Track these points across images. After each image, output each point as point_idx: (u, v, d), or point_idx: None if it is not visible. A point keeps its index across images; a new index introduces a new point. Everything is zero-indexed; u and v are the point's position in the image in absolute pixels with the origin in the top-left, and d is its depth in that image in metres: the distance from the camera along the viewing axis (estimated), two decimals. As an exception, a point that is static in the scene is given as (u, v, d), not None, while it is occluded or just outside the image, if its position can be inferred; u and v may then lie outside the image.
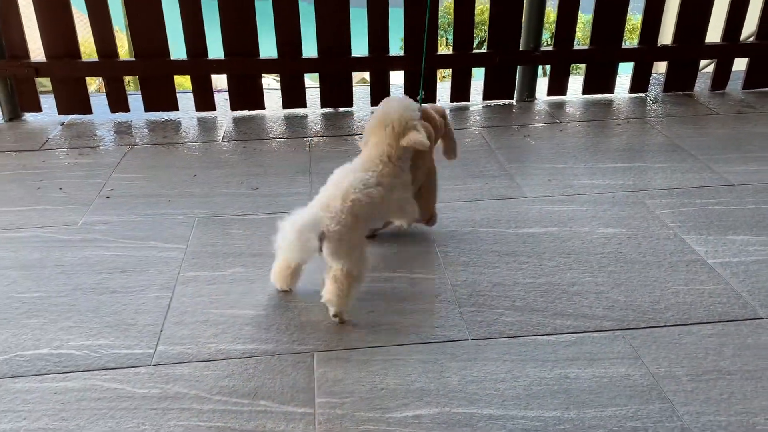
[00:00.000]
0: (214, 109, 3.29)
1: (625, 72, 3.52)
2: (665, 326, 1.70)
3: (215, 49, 3.19)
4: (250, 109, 3.31)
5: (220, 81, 3.47)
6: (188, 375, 1.55)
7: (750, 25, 3.39)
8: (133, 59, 3.15)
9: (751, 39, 3.44)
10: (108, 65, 3.13)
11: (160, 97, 3.24)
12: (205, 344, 1.65)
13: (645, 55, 3.36)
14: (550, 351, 1.61)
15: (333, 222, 1.60)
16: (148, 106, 3.26)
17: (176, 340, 1.67)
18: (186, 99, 3.40)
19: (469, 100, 3.40)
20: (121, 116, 3.27)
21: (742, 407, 1.43)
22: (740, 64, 3.52)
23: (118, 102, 3.24)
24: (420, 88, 2.08)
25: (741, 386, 1.49)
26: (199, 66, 3.16)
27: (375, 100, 3.34)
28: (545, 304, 1.78)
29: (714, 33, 3.39)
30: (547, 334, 1.67)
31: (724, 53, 3.42)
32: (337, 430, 1.39)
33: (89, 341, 1.66)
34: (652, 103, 3.37)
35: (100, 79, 3.25)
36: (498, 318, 1.73)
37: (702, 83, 3.58)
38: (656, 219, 2.20)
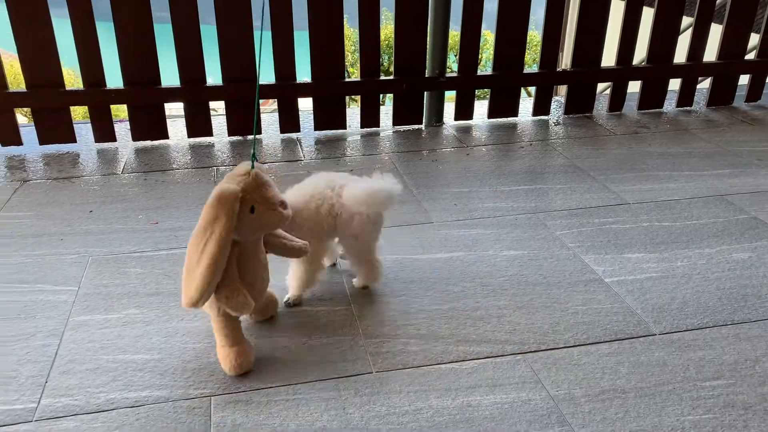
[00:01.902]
0: (114, 140, 3.16)
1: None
2: (565, 347, 1.73)
3: (115, 78, 3.08)
4: (153, 139, 3.20)
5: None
6: (74, 429, 1.45)
7: (641, 51, 3.58)
8: (25, 90, 2.99)
9: (643, 63, 3.63)
10: (-4, 96, 2.96)
11: (56, 129, 3.09)
12: (94, 394, 1.55)
13: (545, 79, 3.48)
14: (453, 379, 1.61)
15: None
16: (43, 139, 3.10)
17: (62, 392, 1.56)
18: (85, 129, 3.26)
19: (378, 126, 3.42)
20: (12, 150, 3.09)
21: (636, 425, 1.47)
22: (635, 86, 3.71)
23: (8, 135, 3.06)
24: (252, 146, 1.86)
25: (635, 404, 1.53)
26: (96, 96, 3.04)
27: (284, 128, 3.31)
28: (449, 331, 1.78)
29: (609, 58, 3.56)
30: (450, 362, 1.67)
31: (619, 76, 3.59)
32: (233, 478, 1.33)
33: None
34: (554, 125, 3.49)
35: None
36: (403, 348, 1.72)
37: (601, 105, 3.75)
38: (556, 240, 2.26)
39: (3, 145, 3.08)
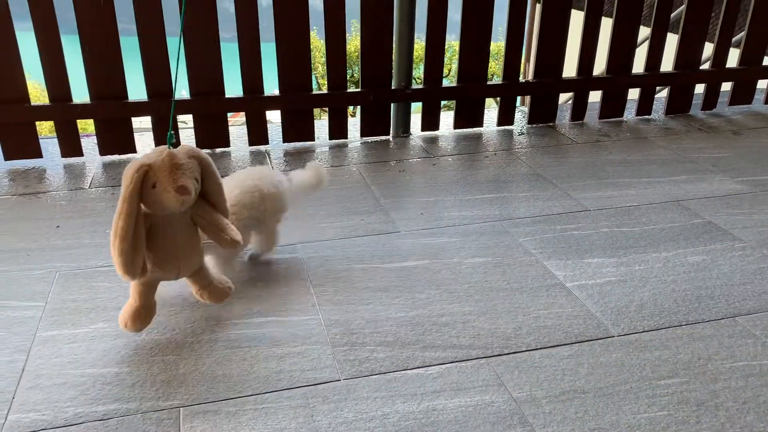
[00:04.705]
0: (81, 154, 3.15)
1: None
2: (527, 351, 1.78)
3: (82, 92, 3.08)
4: (120, 153, 3.20)
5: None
6: (42, 444, 1.46)
7: (601, 62, 3.69)
8: (-11, 105, 2.97)
9: (603, 74, 3.73)
10: (-41, 112, 2.93)
11: (21, 145, 3.06)
12: (62, 408, 1.56)
13: (508, 90, 3.57)
14: (419, 384, 1.65)
15: None
16: (8, 155, 3.07)
17: (30, 407, 1.56)
18: (51, 144, 3.24)
19: (347, 137, 3.46)
20: (-23, 165, 3.07)
21: (595, 424, 1.53)
22: (596, 96, 3.81)
23: (-28, 150, 3.04)
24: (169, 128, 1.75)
25: (594, 404, 1.59)
26: (62, 111, 3.03)
27: (252, 140, 3.33)
28: (415, 337, 1.83)
29: (571, 69, 3.66)
30: (416, 368, 1.71)
31: (580, 87, 3.69)
32: (202, 487, 1.35)
33: (-71, 416, 1.52)
34: (518, 135, 3.57)
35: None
36: (370, 355, 1.75)
37: (564, 115, 3.84)
38: (520, 246, 2.32)
39: (-33, 161, 3.05)
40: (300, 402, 1.58)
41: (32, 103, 3.00)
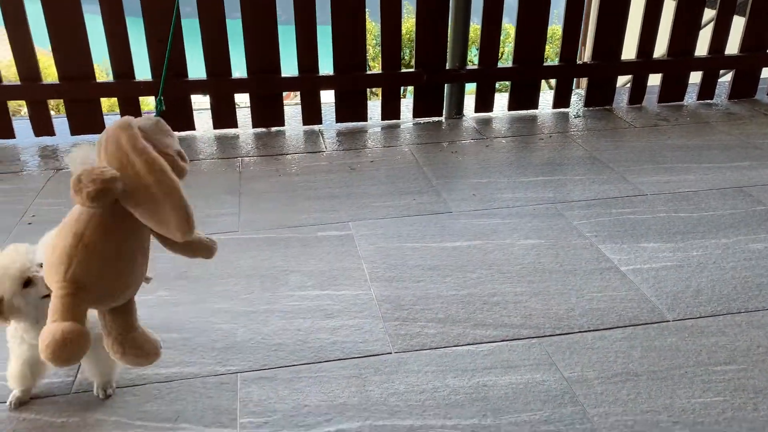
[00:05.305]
0: (142, 131, 3.25)
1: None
2: (579, 332, 1.77)
3: (145, 69, 3.17)
4: (180, 130, 3.29)
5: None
6: (109, 402, 1.54)
7: (662, 43, 3.58)
8: (57, 82, 3.09)
9: (664, 56, 3.63)
10: (30, 89, 3.06)
11: (87, 120, 3.18)
12: (126, 370, 1.63)
13: (565, 72, 3.51)
14: (470, 360, 1.66)
15: None
16: (75, 130, 3.20)
17: (97, 367, 1.65)
18: (113, 120, 3.35)
19: (399, 118, 3.47)
20: (46, 140, 3.20)
21: (647, 406, 1.52)
22: (656, 79, 3.71)
23: (42, 126, 3.17)
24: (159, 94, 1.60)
25: (647, 386, 1.58)
26: (126, 88, 3.13)
27: (306, 119, 3.38)
28: (466, 315, 1.84)
29: (630, 51, 3.57)
30: (467, 344, 1.72)
31: (639, 70, 3.60)
32: (259, 449, 1.40)
33: (2, 372, 1.62)
34: (574, 117, 3.51)
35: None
36: (420, 330, 1.78)
37: (621, 98, 3.76)
38: (574, 229, 2.30)
39: (36, 135, 3.18)
40: (353, 372, 1.62)
41: (97, 80, 3.12)
